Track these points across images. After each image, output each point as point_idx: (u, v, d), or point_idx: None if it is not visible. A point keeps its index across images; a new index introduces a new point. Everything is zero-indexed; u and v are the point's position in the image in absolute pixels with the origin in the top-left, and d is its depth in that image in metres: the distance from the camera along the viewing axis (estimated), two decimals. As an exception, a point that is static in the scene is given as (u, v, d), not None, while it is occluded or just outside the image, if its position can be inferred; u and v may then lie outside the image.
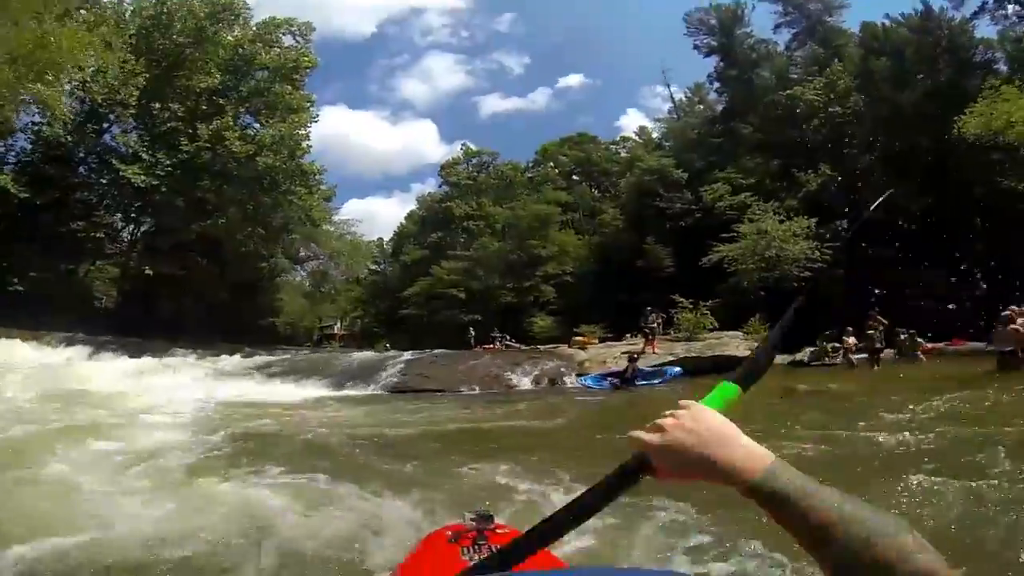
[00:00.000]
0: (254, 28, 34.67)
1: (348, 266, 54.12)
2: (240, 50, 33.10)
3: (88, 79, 26.58)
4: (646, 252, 32.37)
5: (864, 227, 22.40)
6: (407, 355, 23.31)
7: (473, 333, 32.32)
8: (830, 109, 29.41)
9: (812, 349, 19.01)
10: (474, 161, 49.83)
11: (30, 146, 28.70)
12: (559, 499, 4.45)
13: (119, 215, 34.33)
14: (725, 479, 0.70)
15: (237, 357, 21.31)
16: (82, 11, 26.42)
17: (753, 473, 0.68)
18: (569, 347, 23.09)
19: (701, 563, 3.36)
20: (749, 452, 0.71)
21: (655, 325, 20.15)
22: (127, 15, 31.23)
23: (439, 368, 19.18)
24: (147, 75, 29.32)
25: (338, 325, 63.45)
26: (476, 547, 1.47)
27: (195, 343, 24.26)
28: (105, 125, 31.17)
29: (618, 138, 53.11)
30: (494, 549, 1.29)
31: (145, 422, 8.61)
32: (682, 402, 0.78)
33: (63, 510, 4.23)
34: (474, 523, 1.58)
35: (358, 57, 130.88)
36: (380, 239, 64.80)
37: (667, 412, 0.77)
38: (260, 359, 21.26)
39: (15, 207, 26.69)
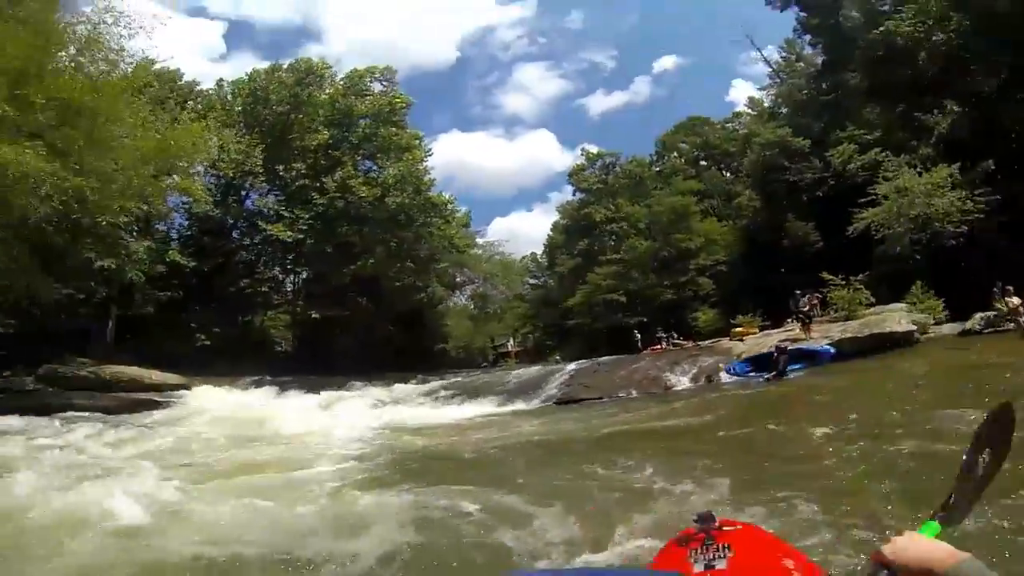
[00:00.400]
0: (341, 83, 37.73)
1: (505, 285, 56.77)
2: (336, 105, 36.12)
3: (216, 159, 30.27)
4: (787, 230, 30.50)
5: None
6: (571, 366, 24.31)
7: (638, 336, 32.63)
8: (933, 37, 25.25)
9: (984, 315, 16.94)
10: (599, 164, 49.64)
11: (186, 222, 32.91)
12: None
13: (277, 268, 38.43)
14: (934, 572, 1.01)
15: (410, 384, 22.80)
16: (188, 103, 31.01)
17: (947, 566, 0.99)
18: (729, 339, 22.79)
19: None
20: (950, 553, 1.02)
21: (808, 308, 19.10)
22: (229, 97, 35.51)
23: (600, 376, 19.81)
24: (263, 144, 32.95)
25: (511, 342, 65.83)
26: (705, 548, 1.53)
27: (369, 376, 25.92)
28: (243, 193, 35.19)
29: (731, 114, 50.54)
30: (722, 546, 1.50)
31: (322, 450, 10.23)
32: (904, 534, 1.12)
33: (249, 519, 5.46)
34: (698, 524, 1.64)
35: (452, 83, 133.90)
36: (533, 253, 67.18)
37: (893, 538, 1.11)
38: (431, 384, 22.65)
39: (187, 275, 30.68)
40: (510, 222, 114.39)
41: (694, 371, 17.98)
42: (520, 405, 17.83)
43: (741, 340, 21.31)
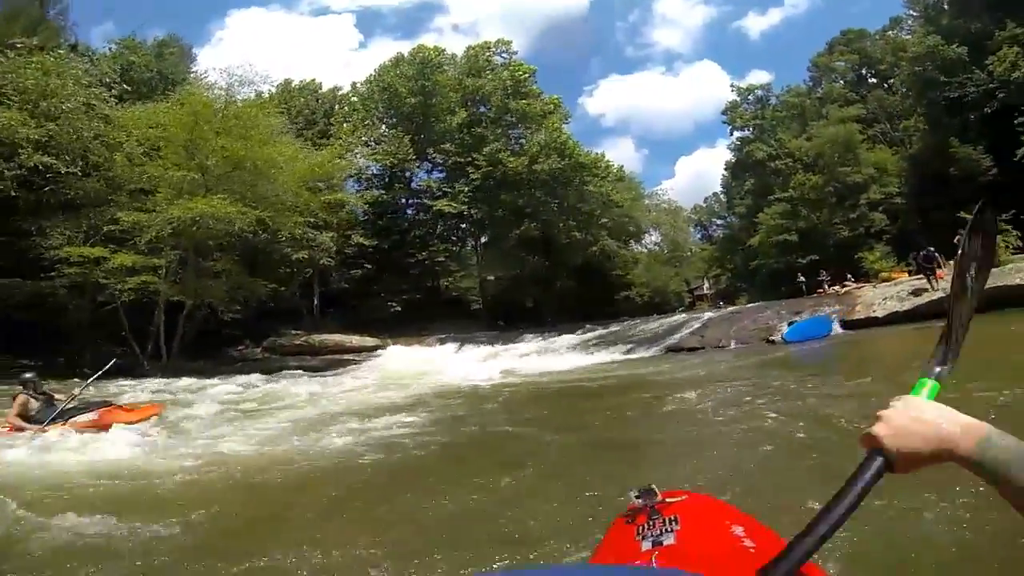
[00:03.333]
0: (460, 64, 40.37)
1: (673, 232, 57.24)
2: (464, 85, 38.95)
3: (371, 152, 35.47)
4: (955, 157, 27.58)
5: None
6: (708, 314, 25.85)
7: (803, 279, 32.30)
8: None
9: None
10: (751, 98, 47.31)
11: (364, 208, 37.38)
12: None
13: (454, 237, 42.99)
14: (950, 457, 0.76)
15: (572, 336, 24.98)
16: (335, 108, 36.08)
17: (969, 445, 0.75)
18: (874, 285, 22.54)
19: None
20: (965, 426, 0.77)
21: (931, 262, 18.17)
22: (365, 97, 39.64)
23: (718, 326, 21.31)
24: (409, 133, 37.12)
25: (705, 285, 66.31)
26: (651, 523, 1.41)
27: (545, 328, 29.04)
28: (408, 176, 39.54)
29: (889, 20, 43.87)
30: (669, 519, 1.36)
31: (430, 391, 13.38)
32: (894, 398, 0.85)
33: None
34: (641, 500, 1.52)
35: (595, 28, 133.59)
36: (715, 193, 66.12)
37: (881, 411, 0.83)
38: (586, 335, 24.78)
39: (371, 254, 36.14)
40: (695, 161, 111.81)
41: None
42: (641, 353, 20.03)
43: (874, 287, 21.18)
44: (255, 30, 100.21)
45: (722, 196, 61.03)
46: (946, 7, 32.79)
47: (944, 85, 28.87)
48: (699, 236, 72.54)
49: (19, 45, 22.12)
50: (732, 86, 49.51)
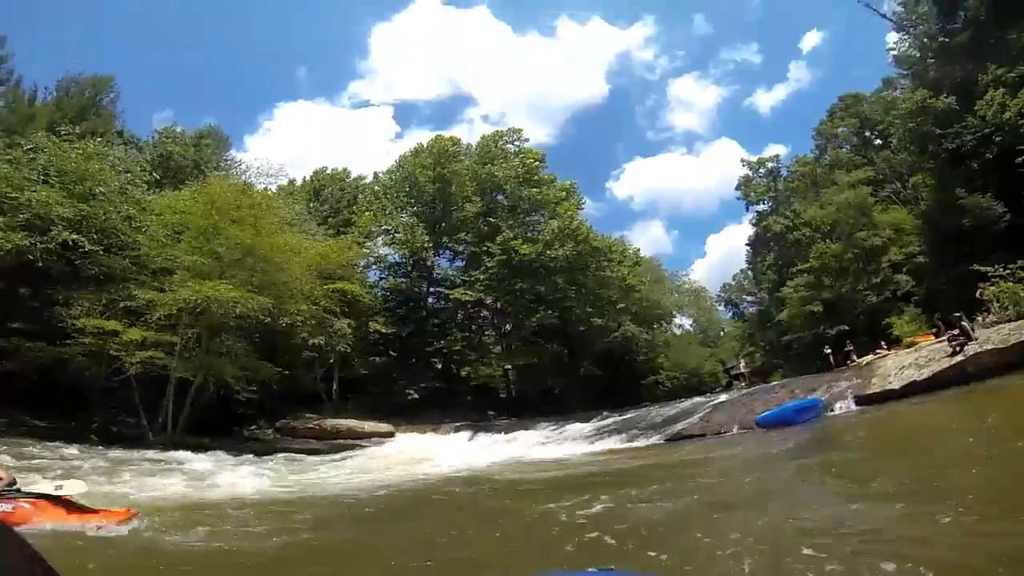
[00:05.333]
0: (474, 153, 40.16)
1: (697, 312, 54.92)
2: (478, 175, 38.61)
3: (390, 240, 35.15)
4: (965, 208, 25.40)
5: None
6: (722, 397, 23.74)
7: (829, 350, 29.74)
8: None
9: None
10: (762, 172, 46.02)
11: (385, 295, 37.41)
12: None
13: (474, 326, 41.76)
14: None
15: (586, 423, 23.21)
16: (359, 197, 36.57)
17: None
18: (896, 352, 20.05)
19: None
20: None
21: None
22: (387, 186, 39.70)
23: (725, 410, 19.06)
24: (425, 222, 36.79)
25: (741, 364, 63.12)
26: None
27: (564, 416, 27.12)
28: (427, 264, 38.85)
29: (880, 82, 42.46)
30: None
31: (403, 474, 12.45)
32: None
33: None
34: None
35: (615, 113, 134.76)
36: (743, 270, 63.65)
37: None
38: (602, 422, 22.95)
39: (391, 341, 35.59)
40: (724, 238, 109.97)
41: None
42: (641, 441, 18.05)
43: (894, 354, 18.83)
44: (300, 121, 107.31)
45: (748, 272, 58.57)
46: (930, 60, 31.50)
47: (941, 137, 27.23)
48: (730, 314, 69.70)
49: (63, 132, 23.22)
50: (743, 161, 48.60)
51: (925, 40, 31.67)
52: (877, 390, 15.38)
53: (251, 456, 18.27)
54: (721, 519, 6.32)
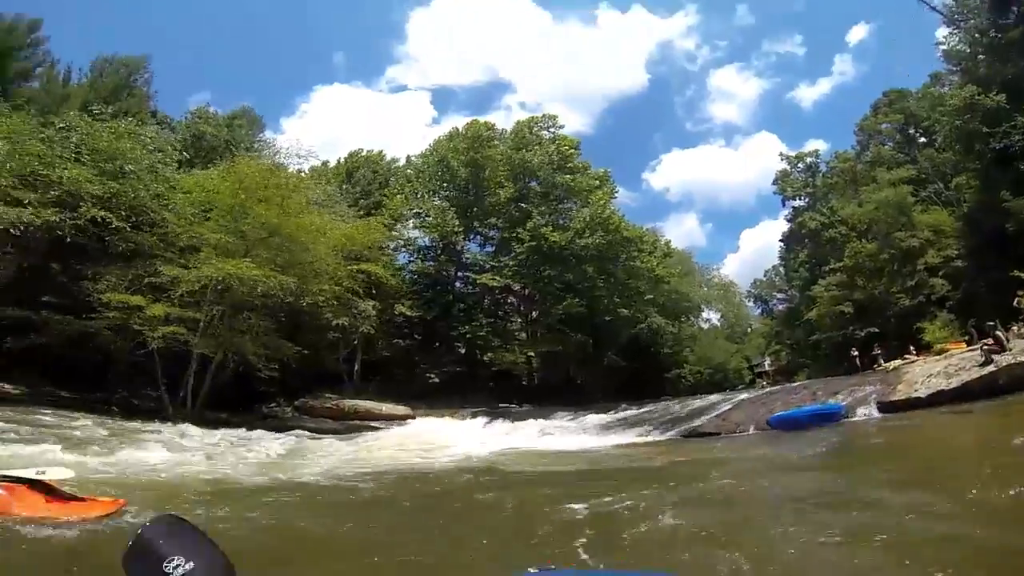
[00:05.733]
0: (510, 140, 39.30)
1: (725, 309, 53.56)
2: (512, 160, 37.75)
3: (420, 223, 34.87)
4: (1010, 212, 23.94)
5: None
6: (741, 396, 22.95)
7: (856, 353, 28.70)
8: None
9: None
10: (800, 167, 44.31)
11: (412, 278, 37.22)
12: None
13: (501, 312, 41.13)
14: None
15: (604, 414, 22.66)
16: (391, 180, 36.49)
17: None
18: (924, 359, 19.08)
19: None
20: None
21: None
22: (420, 170, 39.18)
23: (744, 409, 18.38)
24: (456, 207, 36.28)
25: (767, 362, 61.74)
26: None
27: (586, 406, 26.29)
28: (457, 249, 38.20)
29: (928, 77, 40.33)
30: None
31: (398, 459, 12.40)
32: None
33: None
34: None
35: (655, 104, 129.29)
36: (775, 266, 61.98)
37: None
38: (620, 414, 22.35)
39: (416, 324, 35.37)
40: (759, 233, 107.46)
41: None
42: (655, 436, 17.50)
43: (922, 360, 17.88)
44: (338, 105, 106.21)
45: (780, 269, 56.93)
46: (980, 56, 29.61)
47: (988, 136, 25.61)
48: (759, 311, 68.04)
49: (95, 111, 23.64)
50: (781, 155, 46.70)
51: (976, 35, 29.95)
52: (902, 397, 14.59)
53: (261, 433, 18.22)
54: (696, 523, 5.96)
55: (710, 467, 10.63)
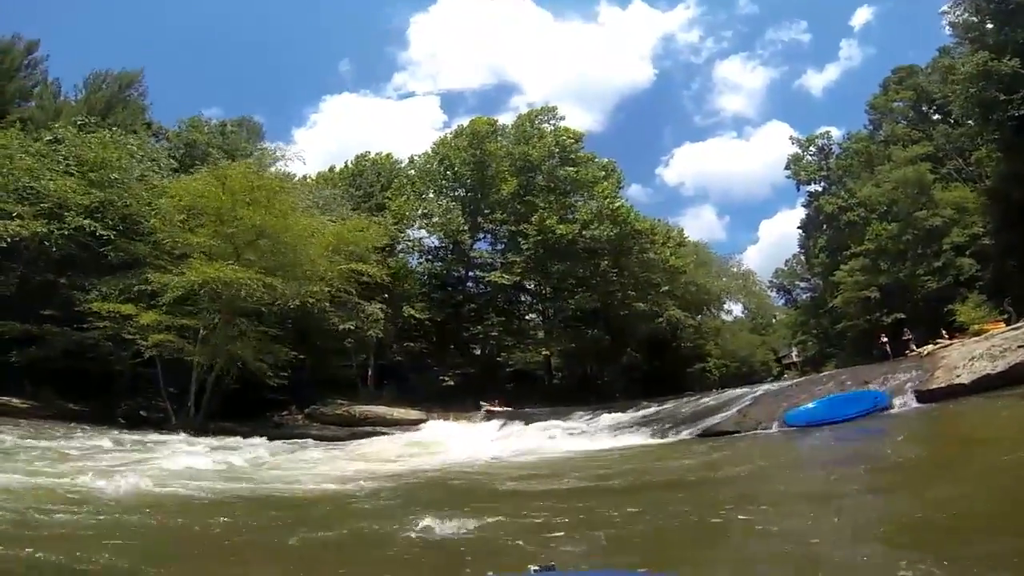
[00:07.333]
0: (511, 134, 37.20)
1: (747, 299, 50.86)
2: (512, 154, 35.67)
3: (428, 225, 33.41)
4: None
5: None
6: (761, 388, 20.87)
7: (885, 340, 26.41)
8: None
9: None
10: (812, 150, 41.47)
11: (421, 279, 35.34)
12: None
13: (516, 312, 38.87)
14: None
15: (621, 413, 20.84)
16: (394, 181, 34.80)
17: None
18: (962, 341, 16.86)
19: None
20: None
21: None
22: (422, 175, 37.31)
23: (766, 404, 16.36)
24: (460, 205, 34.58)
25: (793, 352, 58.87)
26: None
27: (606, 405, 24.33)
28: (464, 248, 36.04)
29: (937, 52, 37.26)
30: None
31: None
32: None
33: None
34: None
35: (664, 97, 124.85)
36: (796, 254, 59.06)
37: None
38: (638, 412, 20.44)
39: (428, 326, 33.59)
40: (777, 223, 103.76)
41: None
42: (671, 437, 15.58)
43: (959, 343, 15.68)
44: (347, 113, 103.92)
45: (801, 257, 54.08)
46: (989, 24, 26.90)
47: (1006, 104, 23.21)
48: (783, 301, 64.97)
49: (80, 122, 23.31)
50: (792, 139, 43.86)
51: (983, 2, 27.48)
52: (942, 384, 12.42)
53: (238, 441, 16.80)
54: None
55: (717, 486, 8.30)
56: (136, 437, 15.13)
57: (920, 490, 5.57)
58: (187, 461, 10.51)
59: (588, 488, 8.11)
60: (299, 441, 18.55)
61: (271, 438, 18.22)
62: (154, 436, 15.55)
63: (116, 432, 16.12)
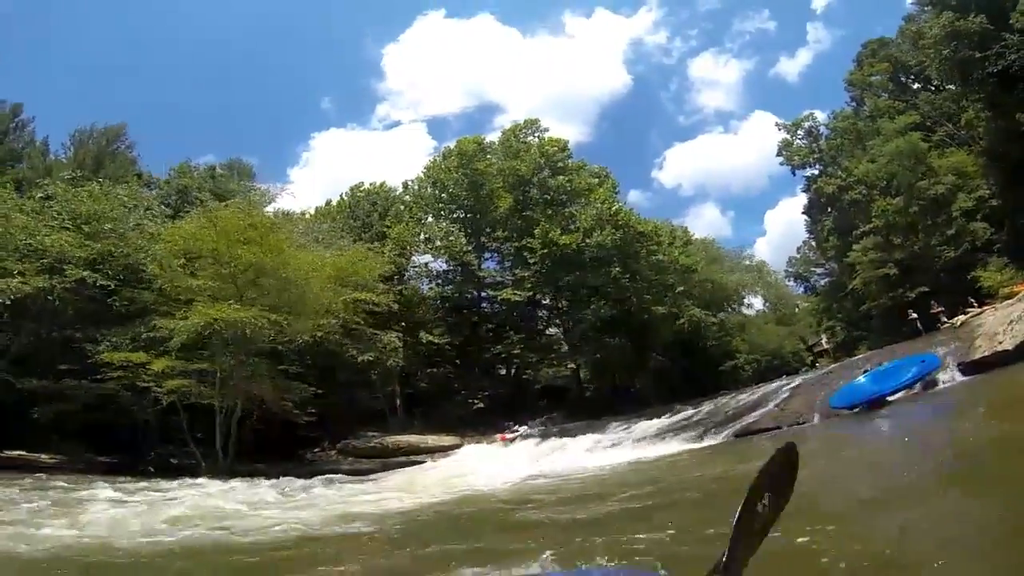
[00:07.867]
0: (499, 150, 37.00)
1: (765, 291, 49.93)
2: (502, 170, 35.44)
3: (432, 249, 33.38)
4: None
5: None
6: (800, 378, 20.27)
7: (915, 315, 25.58)
8: None
9: None
10: (800, 133, 40.67)
11: (434, 304, 35.09)
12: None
13: (538, 329, 38.13)
14: None
15: (657, 419, 20.36)
16: (391, 209, 34.71)
17: None
18: (994, 307, 16.21)
19: None
20: None
21: None
22: (417, 201, 37.16)
23: (804, 395, 15.73)
24: (461, 226, 34.48)
25: (824, 339, 57.57)
26: None
27: (642, 413, 23.97)
28: (471, 269, 35.41)
29: (903, 20, 36.58)
30: None
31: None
32: None
33: None
34: None
35: (644, 102, 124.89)
36: (806, 240, 58.02)
37: None
38: (675, 417, 20.01)
39: (448, 351, 33.25)
40: (781, 213, 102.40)
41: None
42: (708, 440, 14.99)
43: (992, 309, 15.02)
44: (337, 148, 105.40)
45: (811, 242, 53.12)
46: None
47: (983, 61, 23.00)
48: (802, 289, 63.64)
49: (68, 176, 23.62)
50: (778, 125, 42.83)
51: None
52: (986, 353, 11.69)
53: (283, 479, 16.13)
54: None
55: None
56: (143, 485, 14.19)
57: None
58: (170, 511, 9.24)
59: (635, 508, 7.38)
60: (323, 477, 17.57)
61: (301, 476, 17.56)
62: (164, 484, 14.68)
63: (122, 481, 15.13)
